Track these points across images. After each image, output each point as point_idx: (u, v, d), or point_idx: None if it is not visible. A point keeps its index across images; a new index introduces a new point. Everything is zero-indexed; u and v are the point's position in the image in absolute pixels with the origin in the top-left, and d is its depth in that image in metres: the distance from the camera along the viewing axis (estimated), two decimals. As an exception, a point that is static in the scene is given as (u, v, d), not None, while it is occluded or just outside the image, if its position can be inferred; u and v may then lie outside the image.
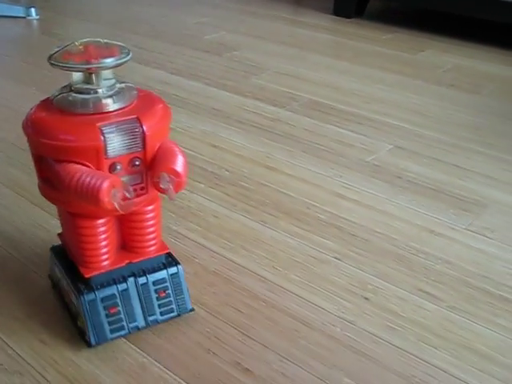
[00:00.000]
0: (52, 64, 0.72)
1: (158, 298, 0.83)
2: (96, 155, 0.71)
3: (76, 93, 0.73)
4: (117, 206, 0.68)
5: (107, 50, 0.74)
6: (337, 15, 2.41)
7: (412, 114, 1.51)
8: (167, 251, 0.84)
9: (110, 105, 0.73)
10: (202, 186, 1.18)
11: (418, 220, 1.08)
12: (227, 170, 1.23)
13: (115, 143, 0.71)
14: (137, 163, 0.74)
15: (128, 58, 0.73)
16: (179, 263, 0.84)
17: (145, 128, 0.72)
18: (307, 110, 1.52)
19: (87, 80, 0.74)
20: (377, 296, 0.91)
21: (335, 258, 0.98)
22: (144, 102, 0.76)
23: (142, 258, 0.82)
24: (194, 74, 1.74)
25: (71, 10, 2.42)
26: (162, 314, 0.84)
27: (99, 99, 0.72)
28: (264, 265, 0.96)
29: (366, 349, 0.82)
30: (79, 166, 0.70)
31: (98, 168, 0.71)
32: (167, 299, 0.83)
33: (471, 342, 0.84)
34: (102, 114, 0.72)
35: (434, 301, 0.90)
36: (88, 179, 0.67)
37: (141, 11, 2.43)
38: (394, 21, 2.37)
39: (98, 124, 0.70)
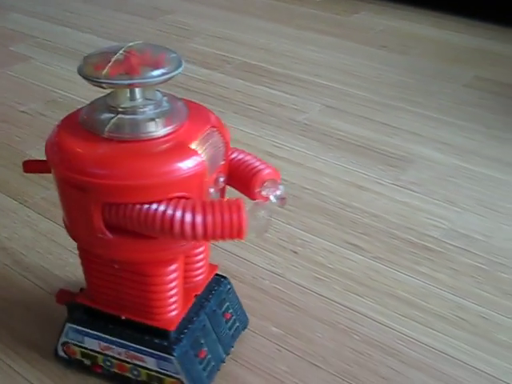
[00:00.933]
0: (88, 80, 0.58)
1: (226, 322, 0.75)
2: (200, 182, 0.59)
3: (128, 114, 0.60)
4: (259, 230, 0.58)
5: (152, 57, 0.60)
6: (271, -22, 2.41)
7: (343, 75, 1.53)
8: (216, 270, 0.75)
9: (168, 123, 0.60)
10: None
11: (346, 176, 1.11)
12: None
13: (210, 162, 0.59)
14: (221, 179, 0.63)
15: (181, 68, 0.61)
16: (226, 277, 0.77)
17: (226, 138, 0.63)
18: (240, 72, 1.52)
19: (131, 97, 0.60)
20: (305, 249, 0.93)
21: (265, 214, 1.00)
22: (195, 112, 0.64)
23: (203, 287, 0.73)
24: (125, 39, 1.72)
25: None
26: (233, 336, 0.76)
27: (156, 117, 0.60)
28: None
29: (294, 299, 0.84)
30: (190, 201, 0.57)
31: (201, 196, 0.59)
32: (232, 318, 0.76)
33: (394, 289, 0.87)
34: (170, 134, 0.60)
35: (360, 252, 0.93)
36: (224, 214, 0.56)
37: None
38: (328, -16, 2.39)
39: (189, 145, 0.58)
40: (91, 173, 0.57)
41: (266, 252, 0.92)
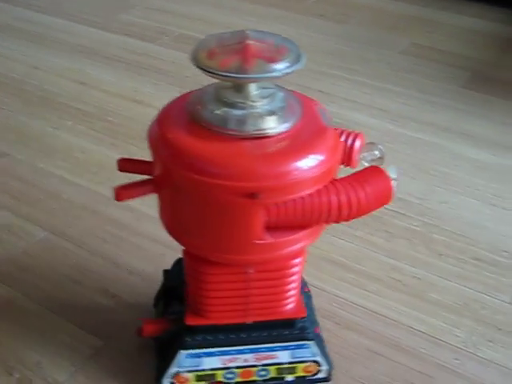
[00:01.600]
0: (202, 69, 0.53)
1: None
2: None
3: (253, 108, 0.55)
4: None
5: (271, 48, 0.55)
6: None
7: (280, 44, 1.53)
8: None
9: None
10: (69, 123, 1.16)
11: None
12: (95, 106, 1.21)
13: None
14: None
15: (303, 61, 0.55)
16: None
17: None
18: (177, 43, 1.51)
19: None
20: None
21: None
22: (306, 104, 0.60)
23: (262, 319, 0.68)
24: (59, 11, 1.67)
25: None
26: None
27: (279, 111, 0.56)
28: (131, 195, 0.97)
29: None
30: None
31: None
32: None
33: (330, 253, 0.88)
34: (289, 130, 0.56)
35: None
36: (372, 185, 0.56)
37: None
38: (267, -46, 2.37)
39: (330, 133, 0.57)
40: (262, 176, 0.52)
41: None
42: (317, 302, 0.79)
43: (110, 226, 0.91)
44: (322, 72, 1.40)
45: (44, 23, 1.59)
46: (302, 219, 0.55)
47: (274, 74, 0.52)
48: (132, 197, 0.58)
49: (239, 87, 0.55)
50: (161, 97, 1.24)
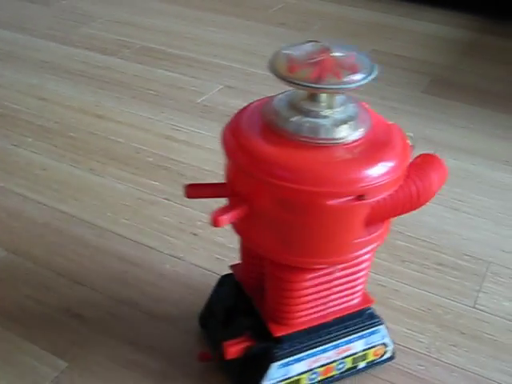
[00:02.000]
0: (282, 79, 0.55)
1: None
2: None
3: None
4: None
5: (345, 59, 0.56)
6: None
7: (242, 54, 1.53)
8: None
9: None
10: (30, 139, 1.15)
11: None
12: (55, 122, 1.20)
13: None
14: None
15: (376, 72, 0.56)
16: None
17: None
18: (139, 56, 1.50)
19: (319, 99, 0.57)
20: (205, 231, 0.93)
21: (164, 198, 0.99)
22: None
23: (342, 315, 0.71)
24: (19, 26, 1.66)
25: None
26: None
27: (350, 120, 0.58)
28: (93, 212, 0.96)
29: (195, 281, 0.84)
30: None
31: None
32: None
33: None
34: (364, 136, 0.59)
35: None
36: (434, 171, 0.62)
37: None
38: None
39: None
40: (369, 178, 0.55)
41: (165, 236, 0.92)
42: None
43: (73, 245, 0.90)
44: (284, 81, 1.40)
45: (4, 39, 1.57)
46: (391, 213, 0.59)
47: (351, 86, 0.54)
48: (201, 196, 0.64)
49: (315, 97, 0.57)
50: (123, 111, 1.24)
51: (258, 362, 0.66)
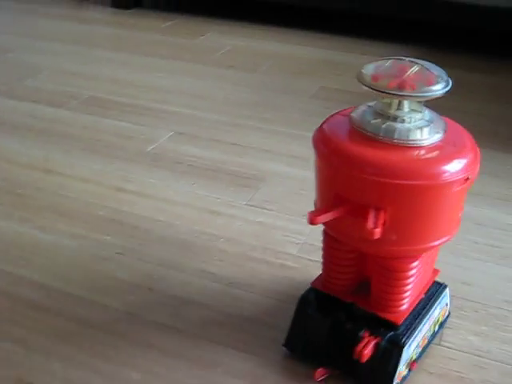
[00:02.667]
0: (371, 88, 0.66)
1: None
2: None
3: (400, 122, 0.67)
4: None
5: (423, 76, 0.66)
6: (116, 7, 2.38)
7: (192, 99, 1.52)
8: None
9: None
10: (-25, 199, 1.11)
11: (199, 203, 1.10)
12: (3, 180, 1.17)
13: None
14: None
15: (449, 87, 0.66)
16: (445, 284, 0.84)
17: None
18: (86, 106, 1.48)
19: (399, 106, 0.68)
20: (161, 285, 0.91)
21: (118, 253, 0.97)
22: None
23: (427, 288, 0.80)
24: (-37, 83, 1.63)
25: None
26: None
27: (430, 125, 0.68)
28: (44, 272, 0.93)
29: (152, 339, 0.81)
30: None
31: None
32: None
33: (253, 313, 0.86)
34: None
35: (215, 279, 0.92)
36: None
37: None
38: (174, 8, 2.39)
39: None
40: (473, 164, 0.67)
41: (119, 293, 0.89)
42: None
43: (21, 307, 0.86)
44: (234, 124, 1.40)
45: None
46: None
47: (432, 94, 0.64)
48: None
49: (397, 104, 0.67)
50: (72, 164, 1.21)
51: (391, 353, 0.72)
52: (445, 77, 0.66)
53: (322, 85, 1.64)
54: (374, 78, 0.65)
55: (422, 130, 0.66)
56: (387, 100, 0.67)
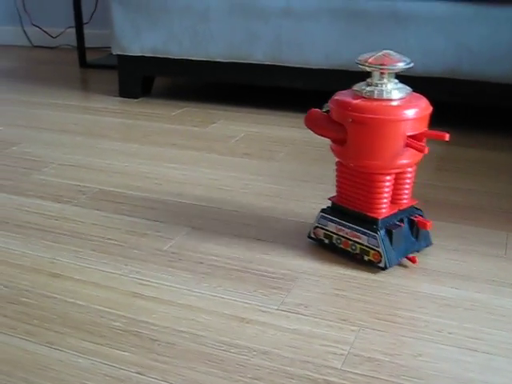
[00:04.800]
0: (367, 66, 1.05)
1: (413, 236, 1.13)
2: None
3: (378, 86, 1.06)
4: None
5: (393, 58, 1.04)
6: (124, 97, 2.32)
7: (208, 190, 1.43)
8: (416, 202, 1.15)
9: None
10: (-25, 310, 0.99)
11: (225, 309, 0.98)
12: (5, 286, 1.06)
13: None
14: None
15: (411, 64, 1.05)
16: (421, 210, 1.17)
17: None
18: (96, 201, 1.38)
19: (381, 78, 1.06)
20: (188, 410, 0.78)
21: (137, 372, 0.84)
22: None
23: (406, 206, 1.13)
24: (-35, 179, 1.54)
25: None
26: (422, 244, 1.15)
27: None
28: (51, 398, 0.80)
29: None
30: None
31: None
32: (420, 235, 1.13)
33: None
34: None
35: (253, 403, 0.79)
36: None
37: None
38: (183, 96, 2.33)
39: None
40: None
41: (141, 422, 0.76)
42: None
43: None
44: (255, 216, 1.29)
45: None
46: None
47: (397, 68, 1.04)
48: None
49: (378, 76, 1.06)
50: (82, 267, 1.10)
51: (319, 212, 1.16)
52: (408, 60, 1.04)
53: (345, 171, 1.54)
54: (364, 59, 1.05)
55: (392, 92, 1.04)
56: (375, 74, 1.06)
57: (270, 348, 0.89)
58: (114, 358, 0.87)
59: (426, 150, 1.01)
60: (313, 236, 1.15)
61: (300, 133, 1.85)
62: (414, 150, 1.04)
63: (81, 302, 1.00)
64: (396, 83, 1.05)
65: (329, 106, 1.08)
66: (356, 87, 1.07)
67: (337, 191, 1.12)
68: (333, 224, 1.12)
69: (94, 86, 2.54)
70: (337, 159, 1.11)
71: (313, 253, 1.15)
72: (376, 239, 1.06)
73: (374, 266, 1.08)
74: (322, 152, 1.69)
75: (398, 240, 1.08)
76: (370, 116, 1.01)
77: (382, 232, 1.06)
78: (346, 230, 1.10)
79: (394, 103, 1.03)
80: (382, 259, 1.06)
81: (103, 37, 3.37)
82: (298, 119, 1.99)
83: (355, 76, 1.92)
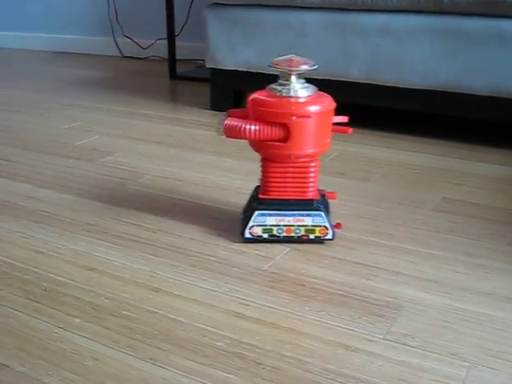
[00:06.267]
0: (271, 67, 1.19)
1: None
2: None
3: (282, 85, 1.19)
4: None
5: (302, 61, 1.18)
6: (214, 110, 2.34)
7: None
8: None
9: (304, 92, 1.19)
10: (78, 320, 1.00)
11: (330, 335, 0.95)
12: (106, 298, 1.06)
13: None
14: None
15: (315, 67, 1.18)
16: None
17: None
18: (192, 216, 1.38)
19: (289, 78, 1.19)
20: None
21: (242, 396, 0.82)
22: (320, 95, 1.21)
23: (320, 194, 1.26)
24: (64, 186, 1.57)
25: None
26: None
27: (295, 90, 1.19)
28: (157, 417, 0.79)
29: None
30: None
31: None
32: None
33: None
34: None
35: None
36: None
37: (5, 119, 2.25)
38: (273, 111, 2.32)
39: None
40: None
41: None
42: None
43: None
44: (354, 239, 1.26)
45: (47, 199, 1.48)
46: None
47: (301, 69, 1.17)
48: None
49: (289, 77, 1.19)
50: (182, 282, 1.10)
51: (250, 213, 1.23)
52: (312, 62, 1.17)
53: (444, 196, 1.50)
54: (275, 63, 1.18)
55: (298, 91, 1.17)
56: (284, 75, 1.19)
57: (378, 379, 0.85)
58: (218, 379, 0.85)
59: (350, 131, 1.23)
60: (249, 236, 1.21)
61: (395, 154, 1.81)
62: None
63: (182, 319, 0.99)
64: (303, 83, 1.19)
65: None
66: (271, 87, 1.20)
67: (267, 187, 1.21)
68: (272, 217, 1.20)
69: (185, 98, 2.57)
70: (262, 157, 1.22)
71: (415, 280, 1.11)
72: (321, 216, 1.20)
73: (320, 241, 1.23)
74: (418, 175, 1.64)
75: (329, 212, 1.24)
76: (312, 110, 1.15)
77: (323, 209, 1.20)
78: (288, 218, 1.20)
79: (317, 99, 1.19)
80: (329, 231, 1.21)
81: (193, 49, 3.41)
82: (393, 140, 1.95)
83: (454, 97, 1.87)
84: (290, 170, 1.20)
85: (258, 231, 1.21)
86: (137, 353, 0.92)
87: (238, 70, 2.23)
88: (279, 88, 1.18)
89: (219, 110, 2.32)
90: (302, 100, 1.16)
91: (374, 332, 0.96)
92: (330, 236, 1.21)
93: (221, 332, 0.96)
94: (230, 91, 2.29)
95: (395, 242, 1.25)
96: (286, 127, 1.15)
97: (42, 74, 3.16)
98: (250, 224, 1.21)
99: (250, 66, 2.18)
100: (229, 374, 0.86)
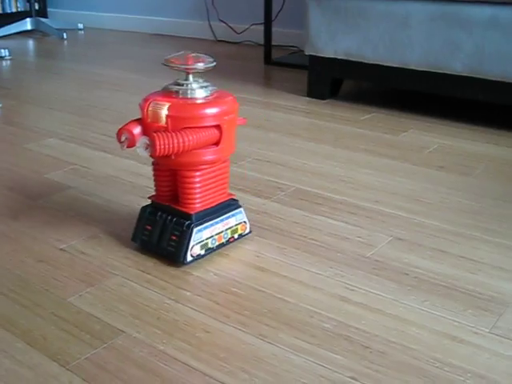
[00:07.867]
0: (166, 65, 1.10)
1: None
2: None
3: (177, 85, 1.11)
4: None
5: (199, 59, 1.10)
6: (311, 97, 2.36)
7: (406, 200, 1.41)
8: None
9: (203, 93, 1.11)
10: (188, 293, 1.05)
11: (435, 325, 0.96)
12: (215, 274, 1.11)
13: None
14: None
15: (213, 64, 1.11)
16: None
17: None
18: (295, 200, 1.41)
19: (187, 78, 1.11)
20: (404, 424, 0.77)
21: (351, 377, 0.85)
22: (220, 94, 1.13)
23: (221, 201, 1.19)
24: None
25: (34, 98, 2.32)
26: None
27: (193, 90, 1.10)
28: (269, 390, 0.83)
29: None
30: None
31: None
32: None
33: None
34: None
35: (473, 428, 0.77)
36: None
37: (107, 97, 2.34)
38: (370, 101, 2.32)
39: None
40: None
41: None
42: None
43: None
44: (457, 233, 1.26)
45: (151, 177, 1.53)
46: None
47: (198, 67, 1.10)
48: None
49: (187, 76, 1.11)
50: (287, 264, 1.13)
51: (186, 232, 1.12)
52: (210, 59, 1.11)
53: (549, 195, 1.47)
54: (170, 60, 1.10)
55: (195, 91, 1.10)
56: (181, 74, 1.11)
57: (485, 372, 0.86)
58: (327, 359, 0.88)
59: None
60: (191, 258, 1.12)
61: (497, 150, 1.78)
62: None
63: (289, 299, 1.03)
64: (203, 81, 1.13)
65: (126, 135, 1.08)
66: (167, 86, 1.12)
67: (193, 199, 1.12)
68: (207, 230, 1.13)
69: (280, 84, 2.59)
70: (180, 173, 1.11)
71: (522, 278, 1.10)
72: (241, 212, 1.19)
73: (243, 238, 1.22)
74: (521, 172, 1.62)
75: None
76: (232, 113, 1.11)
77: (241, 206, 1.20)
78: (218, 225, 1.15)
79: (228, 99, 1.12)
80: (247, 226, 1.21)
81: (287, 35, 3.43)
82: (495, 135, 1.92)
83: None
84: (212, 175, 1.13)
85: (197, 250, 1.12)
86: (247, 328, 0.95)
87: (336, 59, 2.24)
88: (176, 88, 1.10)
89: (316, 97, 2.34)
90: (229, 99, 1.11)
91: (480, 325, 0.96)
92: (247, 230, 1.21)
93: (327, 314, 0.98)
94: (328, 79, 2.31)
95: (498, 239, 1.25)
96: (220, 129, 1.09)
97: (137, 54, 3.25)
98: (191, 245, 1.11)
99: (349, 55, 2.19)
100: (337, 354, 0.89)
